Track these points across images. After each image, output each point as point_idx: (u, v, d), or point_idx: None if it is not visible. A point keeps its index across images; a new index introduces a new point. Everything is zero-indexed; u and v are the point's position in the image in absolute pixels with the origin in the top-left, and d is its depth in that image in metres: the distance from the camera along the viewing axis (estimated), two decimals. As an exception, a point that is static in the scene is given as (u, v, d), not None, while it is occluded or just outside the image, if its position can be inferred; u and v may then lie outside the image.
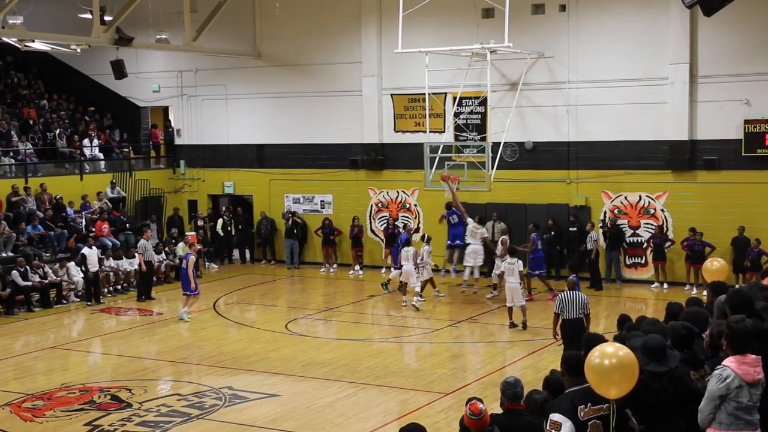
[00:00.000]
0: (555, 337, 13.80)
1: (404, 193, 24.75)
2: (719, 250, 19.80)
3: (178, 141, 28.13)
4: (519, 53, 21.56)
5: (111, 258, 22.36)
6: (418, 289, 19.72)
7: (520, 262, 17.58)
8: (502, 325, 17.71)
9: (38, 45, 23.76)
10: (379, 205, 25.13)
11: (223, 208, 27.09)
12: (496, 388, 7.55)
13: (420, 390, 13.58)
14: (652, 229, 21.65)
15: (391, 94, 24.56)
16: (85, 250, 21.12)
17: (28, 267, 20.33)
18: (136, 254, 21.62)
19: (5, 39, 23.12)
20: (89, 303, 20.93)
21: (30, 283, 20.21)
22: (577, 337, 12.45)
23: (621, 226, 21.92)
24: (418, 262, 19.73)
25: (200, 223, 26.21)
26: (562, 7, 22.32)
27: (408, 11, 20.19)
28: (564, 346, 13.34)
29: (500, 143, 21.61)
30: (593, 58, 22.07)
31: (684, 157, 21.24)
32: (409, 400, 13.20)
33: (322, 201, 25.78)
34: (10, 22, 20.98)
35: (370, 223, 25.15)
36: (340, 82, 25.21)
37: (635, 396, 6.30)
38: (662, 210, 21.68)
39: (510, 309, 17.42)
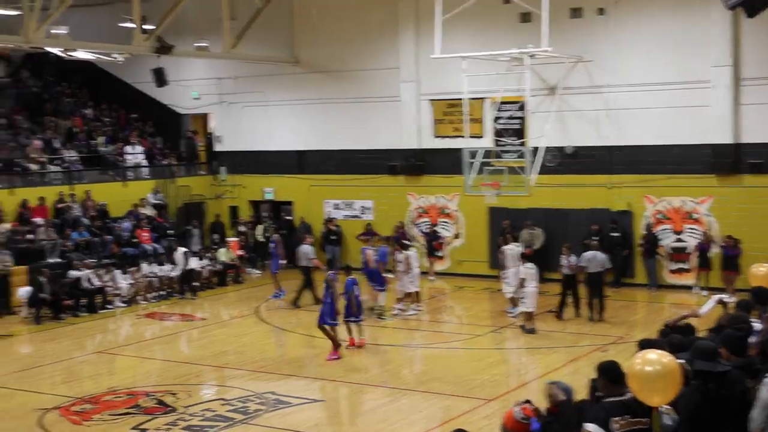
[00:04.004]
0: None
1: (444, 198, 24.73)
2: (765, 255, 19.44)
3: (218, 147, 28.44)
4: (558, 57, 21.46)
5: (154, 264, 22.63)
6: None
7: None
8: (550, 331, 17.66)
9: (81, 54, 24.17)
10: (419, 210, 25.15)
11: (264, 214, 27.29)
12: (540, 395, 7.53)
13: (463, 396, 13.54)
14: (696, 234, 21.42)
15: (430, 100, 24.57)
16: (174, 249, 23.02)
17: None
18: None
19: (49, 49, 23.55)
20: (194, 297, 22.23)
21: (93, 286, 20.70)
22: (597, 286, 18.45)
23: (657, 233, 21.73)
24: (401, 269, 19.20)
25: (242, 228, 26.43)
26: (601, 11, 22.18)
27: (445, 16, 20.20)
28: (588, 292, 18.46)
29: (540, 148, 21.52)
30: (633, 61, 21.89)
31: (728, 161, 20.97)
32: (451, 406, 13.16)
33: (362, 207, 25.87)
34: (54, 32, 21.33)
35: (411, 228, 25.14)
36: (378, 88, 25.28)
37: (684, 401, 6.23)
38: (707, 215, 21.43)
39: (530, 314, 17.39)
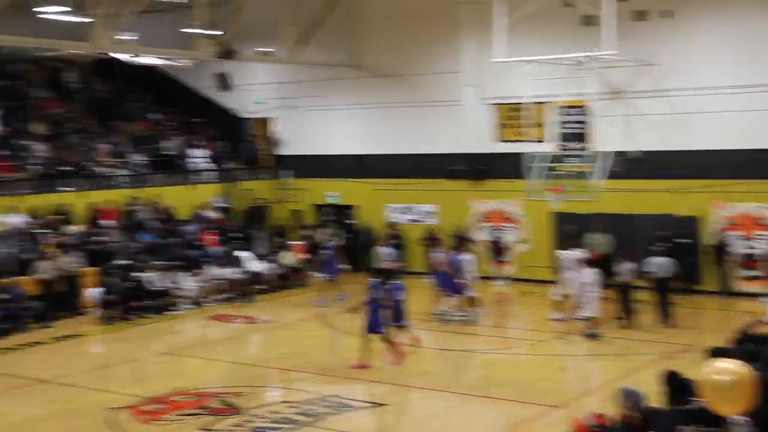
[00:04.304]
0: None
1: (507, 203, 24.58)
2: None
3: (281, 151, 28.72)
4: (623, 61, 21.17)
5: (218, 267, 22.90)
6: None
7: None
8: (615, 338, 17.43)
9: (148, 60, 24.68)
10: (481, 215, 25.03)
11: (326, 218, 27.44)
12: (606, 402, 7.45)
13: (527, 402, 13.43)
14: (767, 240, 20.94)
15: (493, 104, 24.46)
16: (238, 252, 23.17)
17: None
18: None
19: (117, 55, 24.11)
20: (249, 300, 22.33)
21: (158, 288, 21.12)
22: (664, 291, 18.30)
23: (726, 240, 21.26)
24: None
25: (306, 232, 26.61)
26: (667, 13, 21.83)
27: (507, 20, 20.08)
28: (654, 298, 18.33)
29: (605, 152, 21.25)
30: (701, 64, 21.49)
31: (801, 165, 20.47)
32: (516, 412, 13.06)
33: (424, 211, 25.85)
34: (122, 38, 21.80)
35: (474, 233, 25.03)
36: (440, 92, 25.27)
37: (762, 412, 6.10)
38: (778, 221, 20.94)
39: (594, 319, 17.29)
